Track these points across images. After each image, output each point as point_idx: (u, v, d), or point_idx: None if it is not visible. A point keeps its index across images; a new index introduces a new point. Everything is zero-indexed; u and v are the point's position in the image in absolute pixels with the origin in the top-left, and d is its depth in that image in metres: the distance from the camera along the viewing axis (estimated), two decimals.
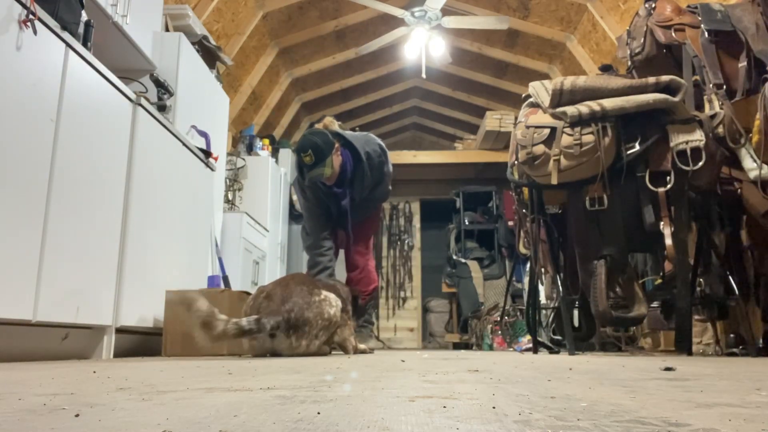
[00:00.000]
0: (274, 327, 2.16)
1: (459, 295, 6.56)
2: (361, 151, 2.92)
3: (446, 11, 4.82)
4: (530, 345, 3.35)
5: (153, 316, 2.53)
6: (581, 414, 0.64)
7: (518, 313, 4.80)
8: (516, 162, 2.71)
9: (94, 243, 2.15)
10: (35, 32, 1.84)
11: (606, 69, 3.30)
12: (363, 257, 3.24)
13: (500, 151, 6.38)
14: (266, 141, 5.57)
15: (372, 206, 3.29)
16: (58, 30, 1.96)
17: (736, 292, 2.54)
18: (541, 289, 3.86)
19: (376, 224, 3.48)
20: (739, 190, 2.72)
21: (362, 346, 2.68)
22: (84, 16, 2.22)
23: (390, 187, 3.28)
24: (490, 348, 4.98)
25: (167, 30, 3.43)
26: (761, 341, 2.66)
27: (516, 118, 3.14)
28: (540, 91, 2.68)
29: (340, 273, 3.16)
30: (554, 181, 2.50)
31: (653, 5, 3.03)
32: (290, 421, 0.59)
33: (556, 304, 3.20)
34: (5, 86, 1.73)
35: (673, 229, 2.44)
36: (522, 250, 3.51)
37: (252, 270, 4.48)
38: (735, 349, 2.79)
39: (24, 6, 1.80)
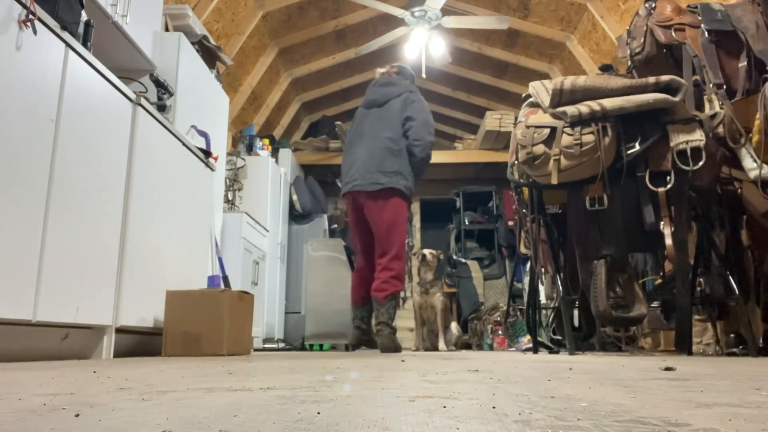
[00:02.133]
0: None
1: (459, 295, 6.56)
2: None
3: (446, 11, 4.81)
4: (530, 345, 3.35)
5: (153, 316, 2.53)
6: (581, 414, 0.64)
7: (518, 313, 4.80)
8: (516, 162, 2.71)
9: (94, 243, 2.15)
10: (35, 32, 1.84)
11: (606, 69, 3.30)
12: None
13: (500, 151, 6.37)
14: (266, 141, 5.57)
15: None
16: (58, 30, 1.96)
17: (736, 292, 2.54)
18: (541, 289, 3.86)
19: None
20: (739, 190, 2.72)
21: None
22: (84, 16, 2.22)
23: None
24: (490, 348, 4.99)
25: (167, 30, 3.43)
26: (761, 341, 2.66)
27: (516, 118, 3.14)
28: (540, 90, 2.68)
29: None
30: (554, 181, 2.50)
31: (653, 5, 3.03)
32: (290, 421, 0.59)
33: (556, 304, 3.20)
34: (5, 86, 1.73)
35: (673, 228, 2.44)
36: (522, 250, 3.51)
37: (252, 270, 4.48)
38: (735, 349, 2.79)
39: (24, 6, 1.80)
